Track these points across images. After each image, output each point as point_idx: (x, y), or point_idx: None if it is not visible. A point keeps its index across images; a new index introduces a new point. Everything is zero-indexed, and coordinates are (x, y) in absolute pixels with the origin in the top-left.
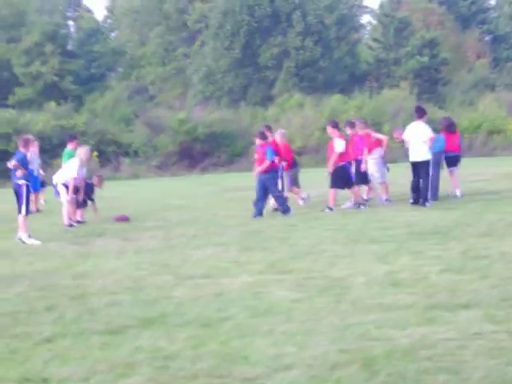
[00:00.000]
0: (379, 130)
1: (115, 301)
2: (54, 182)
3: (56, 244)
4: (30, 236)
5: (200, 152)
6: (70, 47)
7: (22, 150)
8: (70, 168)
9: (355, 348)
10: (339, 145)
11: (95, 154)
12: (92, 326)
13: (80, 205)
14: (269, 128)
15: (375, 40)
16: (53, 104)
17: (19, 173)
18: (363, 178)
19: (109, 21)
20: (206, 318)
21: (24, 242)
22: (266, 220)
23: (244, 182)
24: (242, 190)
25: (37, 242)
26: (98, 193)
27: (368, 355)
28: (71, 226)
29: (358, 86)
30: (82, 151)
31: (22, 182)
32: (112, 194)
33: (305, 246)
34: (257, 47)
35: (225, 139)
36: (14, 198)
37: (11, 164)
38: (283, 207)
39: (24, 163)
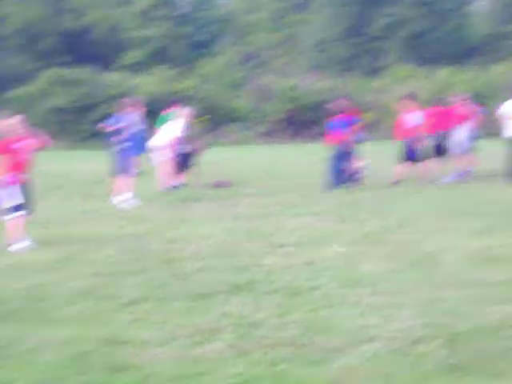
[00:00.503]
0: (488, 105)
1: (205, 266)
2: (154, 145)
3: (153, 207)
4: (127, 198)
5: (307, 120)
6: (182, 12)
7: (120, 112)
8: (172, 129)
9: (441, 323)
10: (416, 118)
11: (206, 117)
12: (177, 290)
13: (180, 168)
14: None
15: (489, 12)
16: (161, 68)
17: (118, 137)
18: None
19: None
20: (295, 287)
21: (120, 205)
22: (362, 191)
23: None
24: None
25: (133, 205)
26: (201, 158)
27: (453, 330)
28: (170, 189)
29: (469, 59)
30: (185, 112)
31: (122, 144)
32: (216, 159)
33: (401, 218)
34: (368, 17)
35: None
36: (108, 160)
37: (110, 130)
38: None
39: (123, 127)
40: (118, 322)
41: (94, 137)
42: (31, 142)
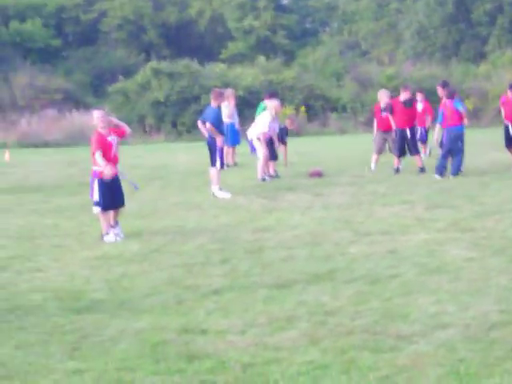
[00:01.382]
0: None
1: (290, 255)
2: (249, 137)
3: (245, 198)
4: (221, 189)
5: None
6: (283, 2)
7: (213, 103)
8: (262, 122)
9: None
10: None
11: (303, 108)
12: (261, 279)
13: (272, 157)
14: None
15: None
16: (262, 58)
17: (214, 135)
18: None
19: None
20: (375, 275)
21: (215, 196)
22: (458, 178)
23: None
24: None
25: (227, 196)
26: (298, 148)
27: None
28: (264, 179)
29: None
30: (273, 104)
31: (218, 139)
32: (313, 148)
33: (492, 205)
34: (470, 2)
35: (434, 95)
36: (205, 151)
37: (206, 127)
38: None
39: (217, 119)
40: (199, 312)
41: (195, 129)
42: (116, 135)
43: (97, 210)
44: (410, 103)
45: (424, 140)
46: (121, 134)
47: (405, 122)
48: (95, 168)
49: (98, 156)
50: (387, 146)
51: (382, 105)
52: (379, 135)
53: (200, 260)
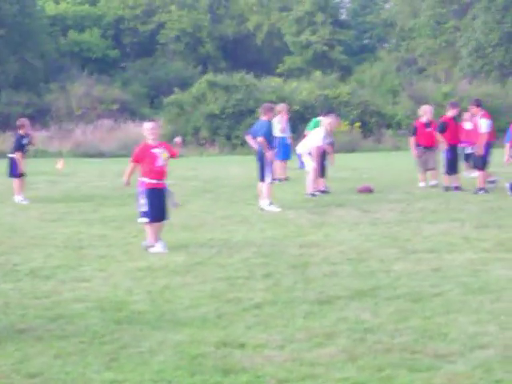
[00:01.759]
0: None
1: (334, 271)
2: (298, 151)
3: (294, 212)
4: (270, 203)
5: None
6: (342, 17)
7: (263, 118)
8: (315, 137)
9: None
10: (484, 124)
11: (357, 124)
12: (303, 295)
13: (322, 173)
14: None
15: None
16: (318, 73)
17: (265, 149)
18: None
19: None
20: (417, 293)
21: (263, 210)
22: (508, 197)
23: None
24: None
25: (276, 210)
26: (350, 163)
27: None
28: (314, 195)
29: None
30: (328, 121)
31: (268, 153)
32: (366, 165)
33: None
34: None
35: (491, 113)
36: (256, 165)
37: (258, 140)
38: None
39: (268, 133)
40: (239, 325)
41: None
42: (168, 150)
43: (144, 220)
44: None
45: None
46: (172, 154)
47: (457, 139)
48: (142, 179)
49: (130, 164)
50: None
51: (426, 120)
52: (422, 151)
53: (243, 274)
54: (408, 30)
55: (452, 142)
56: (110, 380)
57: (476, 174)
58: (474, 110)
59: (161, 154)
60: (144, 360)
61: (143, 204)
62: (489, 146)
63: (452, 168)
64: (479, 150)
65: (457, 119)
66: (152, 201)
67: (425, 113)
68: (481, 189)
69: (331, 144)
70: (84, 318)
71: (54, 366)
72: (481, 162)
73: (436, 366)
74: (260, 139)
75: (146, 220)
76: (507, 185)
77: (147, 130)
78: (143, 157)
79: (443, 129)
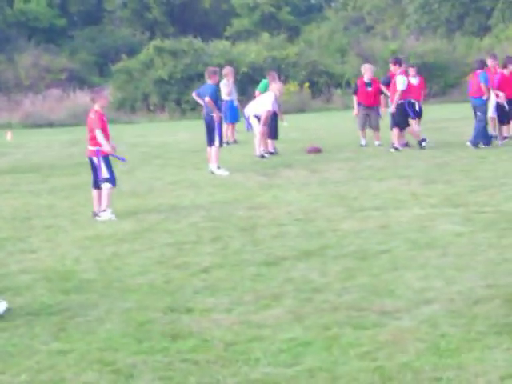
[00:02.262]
0: None
1: (281, 232)
2: (246, 114)
3: (243, 175)
4: (219, 167)
5: None
6: None
7: (209, 81)
8: (264, 102)
9: (503, 283)
10: (402, 82)
11: (307, 85)
12: (251, 257)
13: (272, 135)
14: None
15: None
16: (266, 35)
17: (214, 110)
18: None
19: None
20: (365, 251)
21: (213, 173)
22: (455, 152)
23: (453, 114)
24: (445, 121)
25: (225, 173)
26: (300, 124)
27: None
28: (263, 157)
29: None
30: (277, 87)
31: (215, 114)
32: (316, 125)
33: (487, 179)
34: None
35: (437, 70)
36: (204, 130)
37: (205, 101)
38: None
39: (215, 95)
40: (187, 290)
41: (198, 106)
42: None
43: (108, 186)
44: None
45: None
46: None
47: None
48: (97, 147)
49: (100, 134)
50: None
51: (366, 79)
52: (362, 110)
53: (192, 238)
54: None
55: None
56: (58, 350)
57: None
58: (393, 67)
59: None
60: (91, 329)
61: (104, 171)
62: (409, 104)
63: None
64: (392, 108)
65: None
66: (110, 167)
67: (365, 71)
68: (394, 147)
69: (279, 107)
70: (31, 290)
71: (1, 338)
72: (396, 121)
73: (382, 322)
74: (207, 99)
75: (110, 185)
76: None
77: (99, 97)
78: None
79: (387, 83)
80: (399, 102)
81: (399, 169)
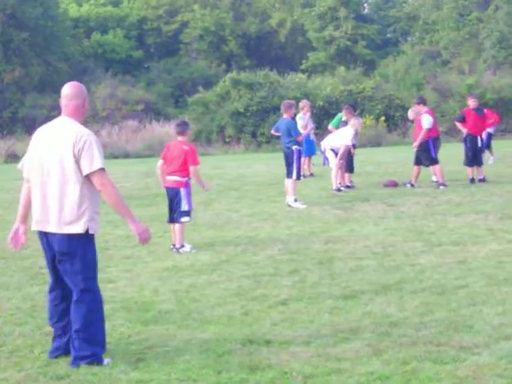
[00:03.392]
0: None
1: (359, 266)
2: (323, 147)
3: (320, 208)
4: (296, 200)
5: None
6: (364, 11)
7: (285, 115)
8: (343, 135)
9: None
10: (427, 121)
11: (382, 119)
12: (329, 290)
13: (348, 169)
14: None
15: None
16: (342, 68)
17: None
18: None
19: None
20: (442, 286)
21: (290, 206)
22: None
23: None
24: None
25: (302, 206)
26: (376, 158)
27: None
28: (339, 190)
29: None
30: (357, 123)
31: (294, 146)
32: (391, 159)
33: None
34: None
35: None
36: (283, 162)
37: (298, 139)
38: None
39: (297, 130)
40: (265, 322)
41: (275, 139)
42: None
43: (186, 219)
44: (481, 111)
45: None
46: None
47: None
48: (186, 179)
49: (198, 170)
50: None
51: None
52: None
53: (269, 271)
54: (431, 23)
55: (472, 132)
56: (137, 380)
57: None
58: (418, 107)
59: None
60: (170, 359)
61: (185, 203)
62: (433, 142)
63: (472, 159)
64: (415, 146)
65: (478, 110)
66: (188, 200)
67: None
68: (441, 184)
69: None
70: (110, 319)
71: (81, 367)
72: (429, 159)
73: (461, 357)
74: (299, 138)
75: (188, 219)
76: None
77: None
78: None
79: (462, 119)
80: (424, 140)
81: (476, 204)
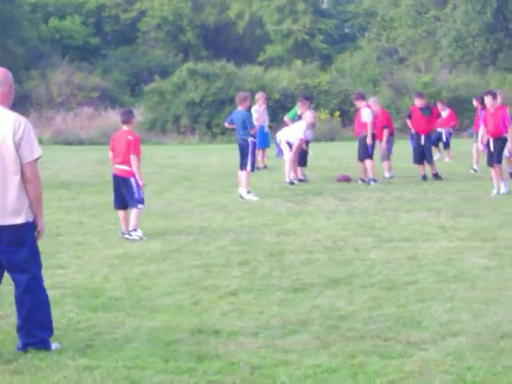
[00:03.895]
0: None
1: (310, 259)
2: (278, 139)
3: (272, 201)
4: (249, 192)
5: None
6: (323, 6)
7: (240, 107)
8: (297, 129)
9: None
10: (367, 114)
11: (337, 113)
12: (279, 282)
13: (302, 163)
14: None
15: None
16: (299, 62)
17: (253, 131)
18: None
19: None
20: (392, 281)
21: (242, 198)
22: (486, 187)
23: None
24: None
25: (254, 198)
26: (329, 152)
27: None
28: (292, 183)
29: None
30: (310, 115)
31: (249, 138)
32: (344, 154)
33: None
34: (508, 12)
35: (469, 104)
36: (237, 154)
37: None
38: None
39: (249, 121)
40: (215, 312)
41: (228, 130)
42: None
43: (141, 206)
44: (428, 111)
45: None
46: None
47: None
48: (128, 168)
49: (138, 161)
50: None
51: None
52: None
53: (220, 261)
54: (389, 20)
55: (416, 130)
56: (84, 366)
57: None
58: (357, 102)
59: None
60: (118, 346)
61: (136, 191)
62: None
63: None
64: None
65: (425, 110)
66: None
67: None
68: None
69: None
70: (60, 305)
71: (29, 352)
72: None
73: (408, 353)
74: (253, 130)
75: (143, 206)
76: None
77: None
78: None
79: (408, 117)
80: (363, 134)
81: (428, 201)
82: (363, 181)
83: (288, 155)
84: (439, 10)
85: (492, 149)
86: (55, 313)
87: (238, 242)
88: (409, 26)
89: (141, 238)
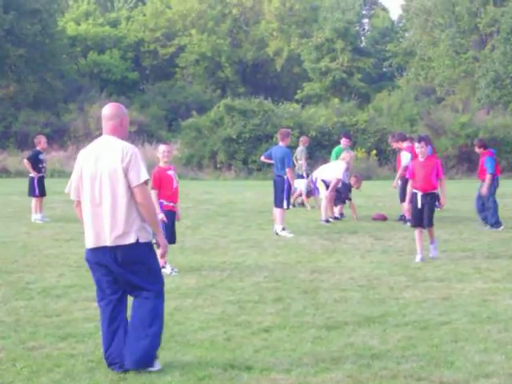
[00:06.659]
0: None
1: (343, 297)
2: (314, 177)
3: (307, 238)
4: (284, 229)
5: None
6: (361, 45)
7: (282, 143)
8: (336, 169)
9: None
10: (405, 158)
11: (374, 152)
12: (312, 320)
13: (338, 202)
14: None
15: None
16: (336, 100)
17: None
18: None
19: (403, 20)
20: (425, 321)
21: (278, 234)
22: None
23: None
24: None
25: (289, 235)
26: (365, 191)
27: None
28: (328, 221)
29: None
30: (348, 156)
31: (285, 175)
32: (381, 193)
33: None
34: None
35: (507, 145)
36: (272, 190)
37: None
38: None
39: (289, 159)
40: (248, 348)
41: (264, 167)
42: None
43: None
44: None
45: None
46: None
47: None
48: (173, 204)
49: (154, 196)
50: None
51: None
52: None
53: (254, 298)
54: (427, 59)
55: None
56: None
57: None
58: (395, 144)
59: (175, 176)
60: (152, 380)
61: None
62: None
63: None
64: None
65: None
66: (167, 223)
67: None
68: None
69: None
70: (94, 338)
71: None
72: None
73: None
74: (288, 170)
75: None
76: None
77: (161, 153)
78: (161, 180)
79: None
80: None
81: (463, 241)
82: (401, 219)
83: (324, 193)
84: (478, 51)
85: None
86: (89, 345)
87: (272, 279)
88: (447, 66)
89: (170, 273)
